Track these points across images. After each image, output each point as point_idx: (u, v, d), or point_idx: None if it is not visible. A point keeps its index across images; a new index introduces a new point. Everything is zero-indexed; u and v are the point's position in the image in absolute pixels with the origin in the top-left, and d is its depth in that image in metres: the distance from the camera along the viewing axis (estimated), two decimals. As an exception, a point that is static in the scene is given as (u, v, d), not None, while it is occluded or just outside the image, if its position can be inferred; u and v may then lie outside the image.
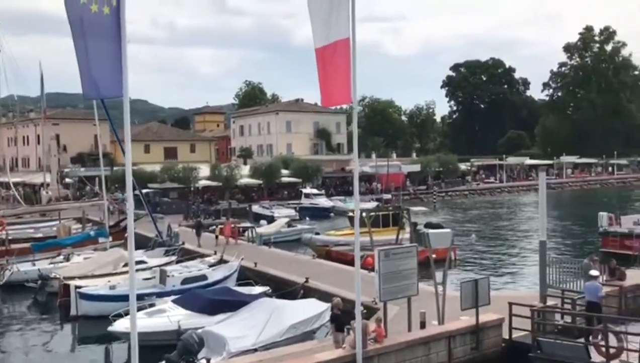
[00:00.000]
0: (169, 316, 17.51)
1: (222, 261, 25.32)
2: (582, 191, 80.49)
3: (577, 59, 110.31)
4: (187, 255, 28.46)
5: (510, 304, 15.12)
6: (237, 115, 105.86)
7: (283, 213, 47.12)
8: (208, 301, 17.75)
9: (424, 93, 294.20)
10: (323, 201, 53.61)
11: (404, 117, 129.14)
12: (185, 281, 21.80)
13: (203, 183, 56.55)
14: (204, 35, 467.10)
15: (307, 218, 48.58)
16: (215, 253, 27.42)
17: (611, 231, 31.14)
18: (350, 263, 25.13)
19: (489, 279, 14.99)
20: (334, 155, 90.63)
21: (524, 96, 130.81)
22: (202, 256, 27.09)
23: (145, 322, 17.51)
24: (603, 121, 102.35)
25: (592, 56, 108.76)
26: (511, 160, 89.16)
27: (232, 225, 34.50)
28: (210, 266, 24.48)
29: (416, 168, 74.29)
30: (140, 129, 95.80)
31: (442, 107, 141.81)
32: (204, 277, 22.39)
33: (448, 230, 15.70)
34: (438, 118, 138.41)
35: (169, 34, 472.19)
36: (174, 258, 27.23)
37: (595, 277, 18.09)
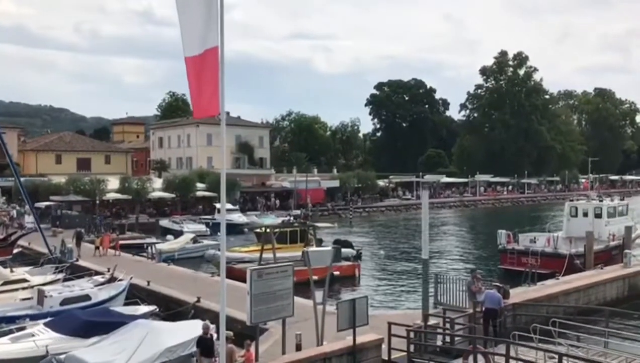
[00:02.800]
0: (37, 340, 16.17)
1: (112, 280, 24.00)
2: (494, 208, 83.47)
3: (493, 82, 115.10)
4: (79, 272, 26.95)
5: (390, 324, 15.00)
6: (157, 126, 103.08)
7: (193, 229, 45.84)
8: (82, 323, 16.54)
9: (351, 111, 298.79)
10: (236, 217, 52.60)
11: (329, 134, 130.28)
12: (65, 301, 20.33)
13: (112, 195, 54.25)
14: (130, 45, 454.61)
15: (219, 234, 47.48)
16: (108, 270, 26.09)
17: (509, 249, 32.04)
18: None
19: (368, 298, 14.76)
20: (256, 169, 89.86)
21: (443, 116, 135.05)
22: (92, 274, 25.59)
23: (9, 347, 16.14)
24: (515, 142, 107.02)
25: (506, 80, 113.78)
26: (428, 178, 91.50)
27: (112, 238, 35.37)
28: (98, 285, 23.10)
29: (335, 183, 74.71)
30: (52, 138, 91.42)
31: (367, 125, 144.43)
32: (87, 297, 20.98)
33: (329, 248, 15.42)
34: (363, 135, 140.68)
35: (93, 41, 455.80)
36: (61, 276, 25.55)
37: (497, 287, 18.65)
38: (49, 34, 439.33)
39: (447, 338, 15.68)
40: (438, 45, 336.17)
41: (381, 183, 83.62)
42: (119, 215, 53.56)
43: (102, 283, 23.57)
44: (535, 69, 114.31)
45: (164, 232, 45.45)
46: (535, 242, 31.87)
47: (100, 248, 32.61)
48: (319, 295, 14.56)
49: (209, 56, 10.91)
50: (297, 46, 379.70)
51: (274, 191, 71.57)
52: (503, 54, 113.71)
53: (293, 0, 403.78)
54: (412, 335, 14.63)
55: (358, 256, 35.92)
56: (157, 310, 20.96)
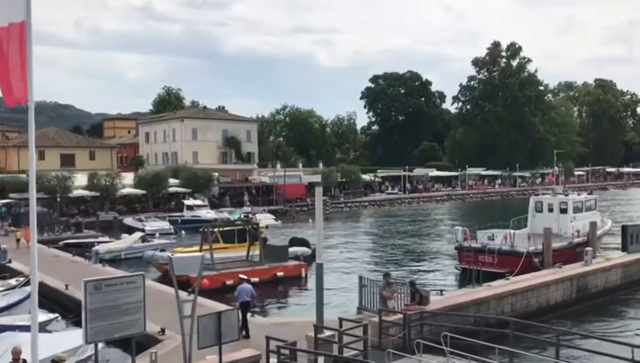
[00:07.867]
0: None
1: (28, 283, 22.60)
2: (483, 202, 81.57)
3: (485, 74, 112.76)
4: (6, 274, 25.62)
5: (268, 338, 13.48)
6: (144, 121, 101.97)
7: (156, 226, 44.49)
8: (-58, 338, 15.09)
9: (350, 104, 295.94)
10: (204, 213, 51.15)
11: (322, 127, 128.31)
12: (-44, 309, 19.00)
13: (78, 192, 52.84)
14: (131, 41, 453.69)
15: (184, 232, 46.10)
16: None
17: (465, 246, 30.36)
18: (183, 285, 23.07)
19: (238, 311, 13.21)
20: (242, 164, 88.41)
21: (440, 109, 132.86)
22: (6, 277, 24.17)
23: None
24: (508, 134, 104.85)
25: (499, 71, 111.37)
26: (417, 171, 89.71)
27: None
28: (8, 289, 21.72)
29: (317, 178, 72.93)
30: (36, 134, 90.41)
31: (364, 119, 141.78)
32: (-19, 304, 19.63)
33: (198, 254, 13.87)
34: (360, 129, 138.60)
35: (94, 38, 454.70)
36: (-20, 279, 24.19)
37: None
38: (49, 30, 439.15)
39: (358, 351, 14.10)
40: (440, 38, 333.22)
41: (367, 177, 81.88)
42: (87, 212, 52.25)
43: (14, 287, 22.21)
44: (529, 60, 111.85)
45: (127, 230, 44.10)
46: (493, 239, 30.11)
47: (23, 240, 32.48)
48: (187, 307, 12.98)
49: (14, 31, 9.31)
50: (298, 40, 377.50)
51: (254, 186, 70.00)
52: (496, 45, 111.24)
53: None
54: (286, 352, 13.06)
55: (314, 255, 34.32)
56: (59, 317, 19.56)
